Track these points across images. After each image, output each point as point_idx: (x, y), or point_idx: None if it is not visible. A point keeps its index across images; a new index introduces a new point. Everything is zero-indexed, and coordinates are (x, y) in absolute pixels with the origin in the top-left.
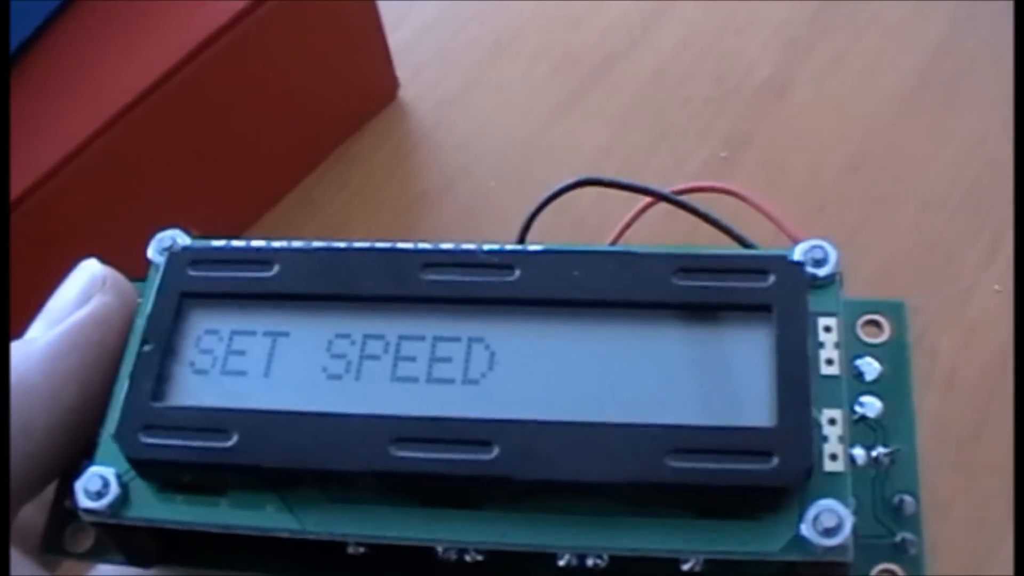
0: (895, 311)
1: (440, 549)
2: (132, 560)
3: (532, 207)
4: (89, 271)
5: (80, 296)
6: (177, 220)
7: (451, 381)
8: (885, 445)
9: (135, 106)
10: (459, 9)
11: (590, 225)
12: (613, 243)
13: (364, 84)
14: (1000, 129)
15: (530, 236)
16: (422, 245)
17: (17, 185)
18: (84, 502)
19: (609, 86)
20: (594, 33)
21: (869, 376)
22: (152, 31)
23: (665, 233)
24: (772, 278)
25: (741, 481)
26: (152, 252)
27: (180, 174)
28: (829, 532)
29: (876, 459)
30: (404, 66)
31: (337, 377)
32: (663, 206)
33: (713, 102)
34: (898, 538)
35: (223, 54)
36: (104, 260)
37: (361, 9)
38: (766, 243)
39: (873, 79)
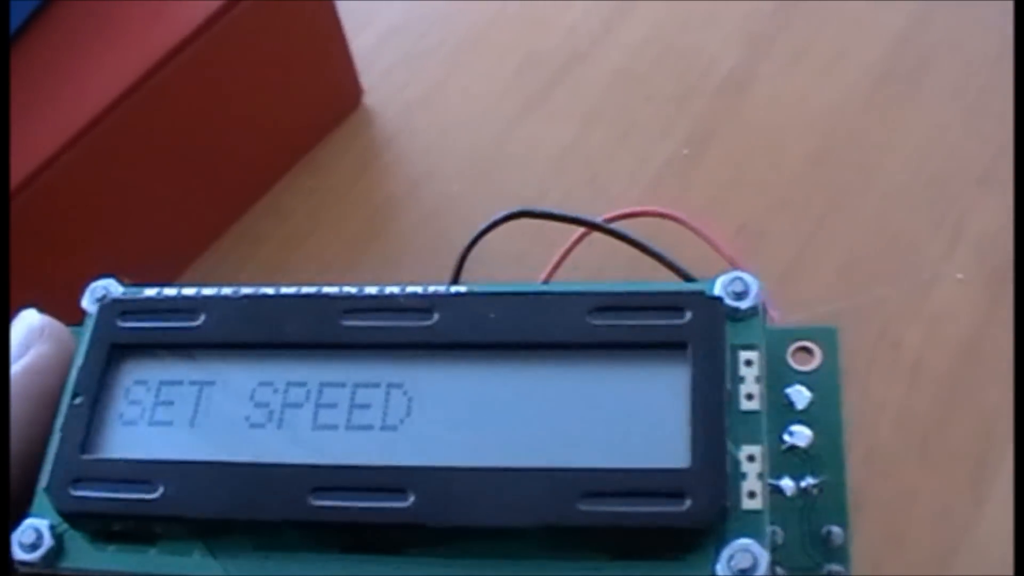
0: (827, 337)
1: None
2: None
3: (465, 243)
4: (27, 321)
5: (20, 347)
6: (143, 231)
7: (370, 428)
8: (814, 475)
9: (101, 119)
10: (421, 14)
11: (532, 251)
12: (548, 276)
13: (329, 92)
14: (960, 119)
15: (471, 266)
16: (346, 289)
17: None
18: (19, 554)
19: (572, 86)
20: (557, 34)
21: (799, 404)
22: (112, 47)
23: (610, 257)
24: (688, 314)
25: (654, 523)
26: (86, 302)
27: (146, 187)
28: (744, 572)
29: (804, 490)
30: (368, 72)
31: (260, 426)
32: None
33: (675, 99)
34: (825, 571)
35: (185, 66)
36: (73, 273)
37: (323, 17)
38: (706, 264)
39: (834, 72)
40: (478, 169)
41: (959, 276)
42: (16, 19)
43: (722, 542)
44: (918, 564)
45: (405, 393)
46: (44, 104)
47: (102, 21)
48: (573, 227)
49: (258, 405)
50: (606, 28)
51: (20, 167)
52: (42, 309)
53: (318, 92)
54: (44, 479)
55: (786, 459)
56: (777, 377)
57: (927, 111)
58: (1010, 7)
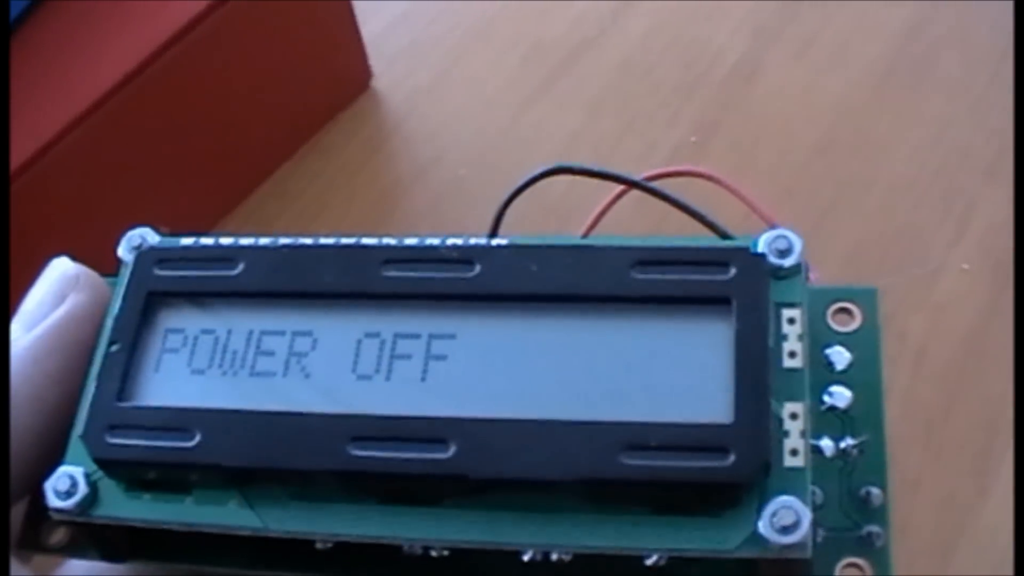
0: (866, 298)
1: (405, 545)
2: (105, 555)
3: (504, 196)
4: (61, 270)
5: (55, 296)
6: (152, 212)
7: (410, 379)
8: (853, 436)
9: (108, 99)
10: (430, 1)
11: (564, 213)
12: (586, 233)
13: (338, 74)
14: (966, 113)
15: (504, 225)
16: (385, 240)
17: None
18: (54, 501)
19: (579, 74)
20: (564, 22)
21: (839, 365)
22: (124, 25)
23: (638, 220)
24: (733, 270)
25: (696, 478)
26: (122, 251)
27: (155, 167)
28: (786, 529)
29: (844, 450)
30: (377, 56)
31: (298, 375)
32: (636, 196)
33: (682, 89)
34: (864, 531)
35: (197, 46)
36: (77, 257)
37: (334, 1)
38: (738, 227)
39: (840, 64)
40: (485, 155)
41: (964, 266)
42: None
43: (764, 499)
44: (921, 552)
45: (447, 344)
46: (50, 86)
47: (110, 5)
48: (601, 189)
49: (297, 355)
50: (613, 17)
51: (28, 148)
52: (75, 258)
53: (327, 75)
54: (80, 426)
55: (825, 420)
56: (817, 337)
57: (933, 103)
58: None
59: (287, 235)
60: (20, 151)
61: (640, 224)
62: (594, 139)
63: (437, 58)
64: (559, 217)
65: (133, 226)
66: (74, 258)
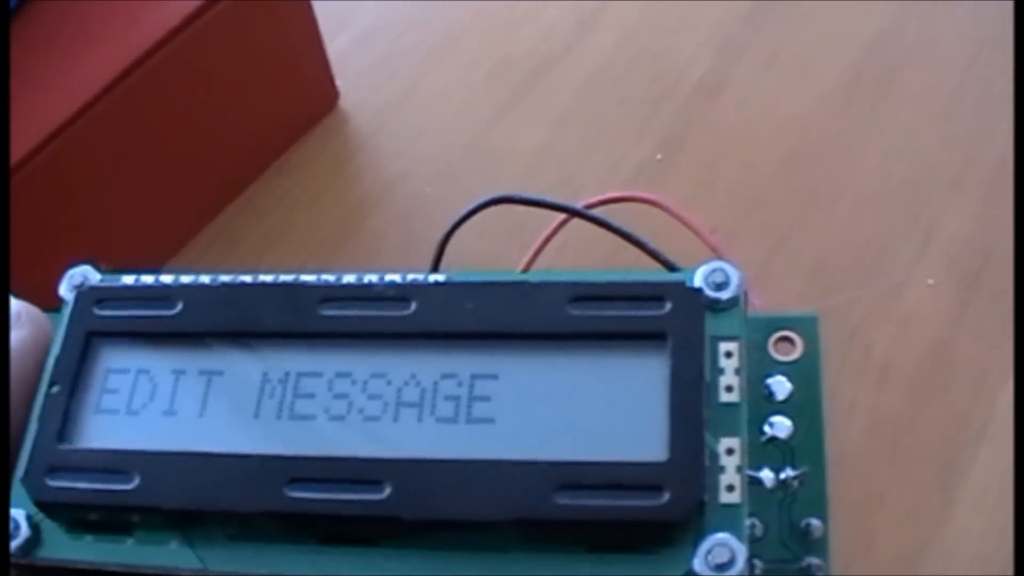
0: (807, 325)
1: None
2: None
3: (444, 230)
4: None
5: None
6: (120, 230)
7: (347, 418)
8: (794, 467)
9: (75, 119)
10: (396, 16)
11: (519, 236)
12: (528, 263)
13: (304, 93)
14: (931, 123)
15: (455, 252)
16: (324, 278)
17: None
18: None
19: (546, 90)
20: (530, 38)
21: (780, 395)
22: (87, 48)
23: (592, 247)
24: (668, 305)
25: (630, 516)
26: (63, 289)
27: (123, 186)
28: (721, 567)
29: (784, 482)
30: (343, 74)
31: (237, 416)
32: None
33: (648, 102)
34: (804, 563)
35: (161, 68)
36: (42, 277)
37: (299, 19)
38: (691, 251)
39: (806, 76)
40: (452, 171)
41: (929, 281)
42: None
43: (700, 536)
44: (887, 564)
45: (382, 384)
46: (17, 104)
47: (77, 22)
48: (552, 217)
49: (235, 395)
50: (579, 32)
51: None
52: (18, 294)
53: (294, 94)
54: (21, 469)
55: (766, 450)
56: (758, 366)
57: (899, 115)
58: (982, 9)
59: (229, 272)
60: None
61: (594, 251)
62: (560, 154)
63: (403, 75)
64: (513, 242)
65: (74, 263)
66: (17, 295)
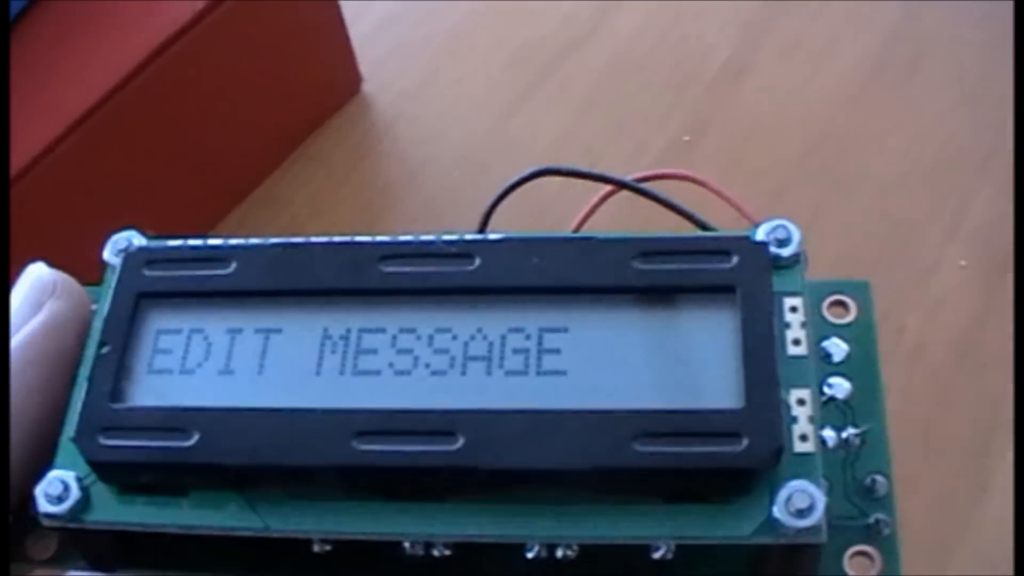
0: (860, 291)
1: (407, 544)
2: (95, 565)
3: (492, 198)
4: (37, 276)
5: (31, 304)
6: (142, 220)
7: (413, 373)
8: (855, 426)
9: (97, 109)
10: (418, 2)
11: (553, 215)
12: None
13: (328, 79)
14: (958, 106)
15: (489, 227)
16: (380, 238)
17: None
18: (45, 507)
19: (568, 74)
20: (552, 22)
21: (836, 357)
22: (111, 33)
23: (627, 222)
24: (735, 259)
25: (709, 464)
26: (108, 254)
27: (143, 175)
28: (801, 513)
29: (846, 440)
30: (365, 60)
31: (297, 372)
32: (624, 196)
33: (672, 88)
34: (871, 519)
35: (185, 54)
36: (65, 265)
37: (322, 4)
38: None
39: (831, 60)
40: (476, 157)
41: (962, 263)
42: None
43: (777, 484)
44: (921, 551)
45: (449, 339)
46: (38, 93)
47: (100, 12)
48: (588, 192)
49: (295, 352)
50: (601, 16)
51: (17, 156)
52: (51, 263)
53: (317, 80)
54: (71, 429)
55: (826, 411)
56: (813, 330)
57: (925, 98)
58: None
59: (277, 237)
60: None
61: (628, 226)
62: (585, 139)
63: (425, 60)
64: (546, 221)
65: (118, 229)
66: (50, 263)
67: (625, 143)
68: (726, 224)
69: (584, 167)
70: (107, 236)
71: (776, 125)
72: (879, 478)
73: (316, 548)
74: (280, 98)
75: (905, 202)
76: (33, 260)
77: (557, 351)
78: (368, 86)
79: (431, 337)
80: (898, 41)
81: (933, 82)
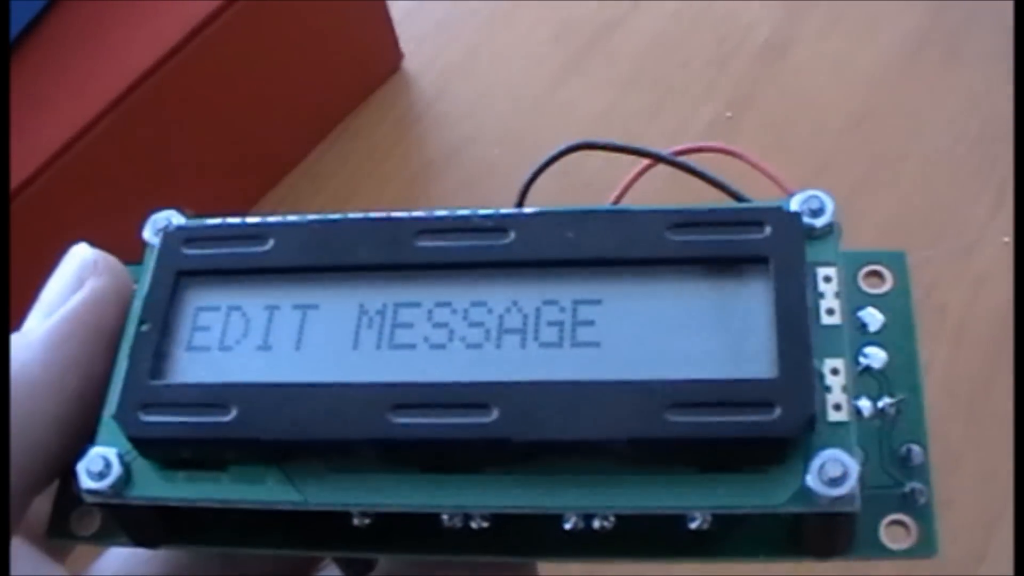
0: (896, 261)
1: (445, 517)
2: (138, 541)
3: (529, 173)
4: (80, 256)
5: (73, 282)
6: (184, 199)
7: (450, 346)
8: (891, 395)
9: (138, 86)
10: None
11: (592, 190)
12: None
13: (368, 56)
14: (1002, 82)
15: (530, 202)
16: (416, 213)
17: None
18: (87, 483)
19: (610, 51)
20: None
21: (872, 327)
22: (153, 12)
23: (666, 196)
24: (768, 229)
25: (744, 433)
26: (147, 233)
27: (184, 153)
28: (835, 482)
29: (882, 410)
30: (406, 36)
31: (335, 347)
32: (664, 171)
33: (714, 63)
34: (907, 488)
35: (226, 31)
36: (107, 246)
37: None
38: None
39: (874, 35)
40: (518, 134)
41: (1005, 239)
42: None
43: (811, 453)
44: (964, 527)
45: (485, 312)
46: (84, 70)
47: None
48: (627, 167)
49: (332, 327)
50: None
51: (59, 134)
52: (93, 244)
53: (357, 57)
54: (112, 406)
55: (862, 381)
56: (849, 300)
57: (969, 73)
58: None
59: (315, 214)
60: (51, 142)
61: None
62: (626, 116)
63: (466, 37)
64: (587, 196)
65: (157, 209)
66: (92, 244)
67: (667, 120)
68: (765, 198)
69: (620, 141)
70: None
71: (818, 101)
72: (915, 447)
73: (356, 521)
74: (321, 75)
75: (948, 178)
76: (77, 243)
77: (591, 323)
78: (409, 63)
79: (466, 311)
80: (941, 16)
81: (976, 57)
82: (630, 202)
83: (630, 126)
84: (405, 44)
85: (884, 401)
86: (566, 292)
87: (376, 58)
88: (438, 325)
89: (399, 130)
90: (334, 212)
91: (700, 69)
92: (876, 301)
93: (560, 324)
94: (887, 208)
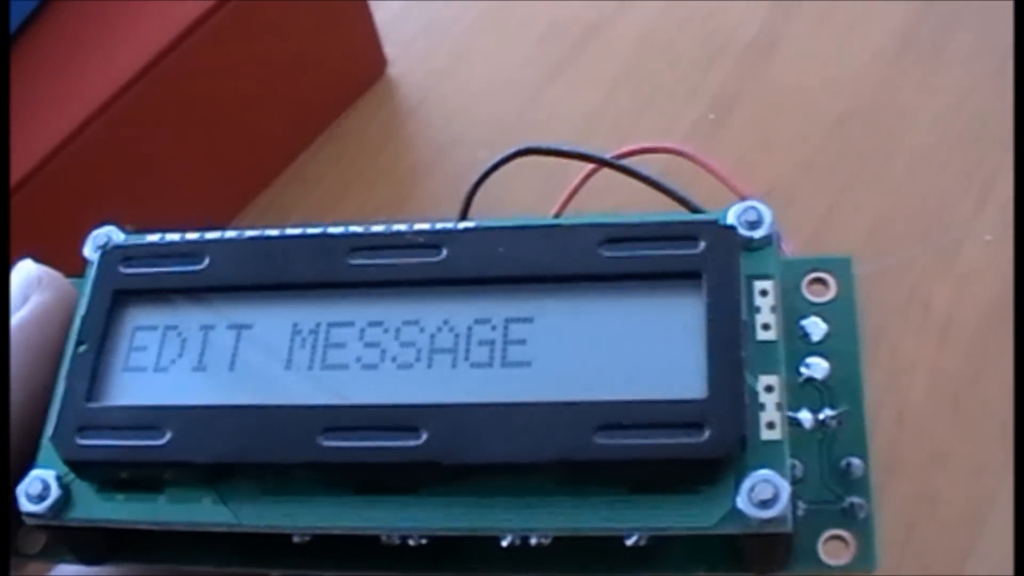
0: (841, 267)
1: (383, 536)
2: (82, 559)
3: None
4: (24, 271)
5: (18, 298)
6: (173, 203)
7: (380, 366)
8: (832, 407)
9: (126, 91)
10: None
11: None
12: (558, 213)
13: (353, 61)
14: (987, 80)
15: (484, 208)
16: (352, 228)
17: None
18: (26, 506)
19: (596, 52)
20: (579, 0)
21: (815, 336)
22: (139, 17)
23: (618, 200)
24: (702, 244)
25: (671, 455)
26: (88, 250)
27: (173, 158)
28: (765, 504)
29: (823, 422)
30: (391, 41)
31: (267, 368)
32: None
33: (700, 63)
34: (846, 503)
35: (212, 36)
36: (82, 248)
37: None
38: (720, 203)
39: (859, 34)
40: (504, 136)
41: (987, 238)
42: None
43: (742, 474)
44: (951, 523)
45: (415, 331)
46: (73, 73)
47: None
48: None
49: (265, 347)
50: None
51: (44, 141)
52: (39, 260)
53: (343, 63)
54: (50, 429)
55: (803, 392)
56: (792, 309)
57: (953, 72)
58: None
59: (254, 227)
60: (41, 144)
61: (623, 204)
62: (613, 117)
63: (452, 40)
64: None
65: (98, 225)
66: (37, 259)
67: (654, 120)
68: (716, 201)
69: (565, 145)
70: (141, 222)
71: (804, 99)
72: (855, 460)
73: (296, 539)
74: (307, 81)
75: (933, 176)
76: (69, 250)
77: (523, 342)
78: (394, 67)
79: (398, 330)
80: (927, 14)
81: (962, 56)
82: (577, 206)
83: (616, 128)
84: (391, 48)
85: (825, 413)
86: (498, 310)
87: (362, 62)
88: (370, 345)
89: (385, 133)
90: (323, 217)
91: (686, 69)
92: (820, 310)
93: (491, 343)
94: (872, 207)
